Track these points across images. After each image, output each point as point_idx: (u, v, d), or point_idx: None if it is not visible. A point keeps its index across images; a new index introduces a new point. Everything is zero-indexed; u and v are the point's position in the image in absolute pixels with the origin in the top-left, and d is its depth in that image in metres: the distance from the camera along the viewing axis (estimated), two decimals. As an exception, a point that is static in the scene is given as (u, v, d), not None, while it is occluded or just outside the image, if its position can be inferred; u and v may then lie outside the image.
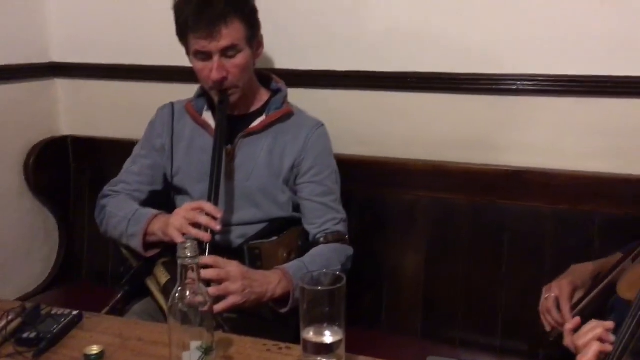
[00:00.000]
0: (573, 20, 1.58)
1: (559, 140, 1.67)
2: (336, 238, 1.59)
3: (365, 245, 1.70)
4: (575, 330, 0.95)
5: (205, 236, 1.36)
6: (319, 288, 0.96)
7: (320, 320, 0.97)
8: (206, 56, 1.50)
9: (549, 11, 1.59)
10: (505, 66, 1.67)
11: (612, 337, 0.88)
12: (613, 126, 1.60)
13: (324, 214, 1.60)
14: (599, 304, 1.19)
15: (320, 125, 1.67)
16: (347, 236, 1.61)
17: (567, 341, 1.03)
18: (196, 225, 1.39)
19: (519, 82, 1.66)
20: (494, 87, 1.69)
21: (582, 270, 1.30)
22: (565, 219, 1.61)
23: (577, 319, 1.15)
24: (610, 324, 0.90)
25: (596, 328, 0.90)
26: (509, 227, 1.67)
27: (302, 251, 1.57)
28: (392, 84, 1.79)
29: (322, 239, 1.58)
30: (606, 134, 1.61)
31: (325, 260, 1.50)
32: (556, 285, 1.28)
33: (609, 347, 0.87)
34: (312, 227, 1.60)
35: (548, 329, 1.26)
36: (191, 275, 0.94)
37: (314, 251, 1.55)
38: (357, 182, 1.77)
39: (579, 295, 1.25)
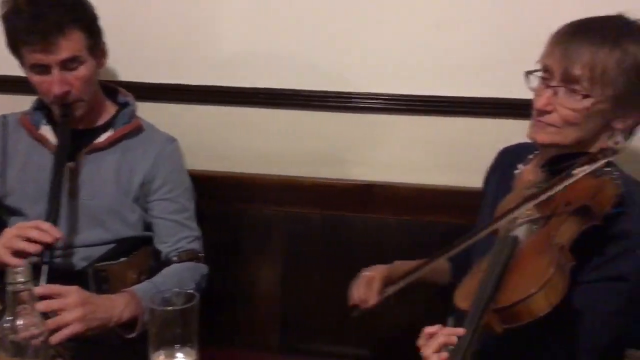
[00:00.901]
0: (415, 43, 1.68)
1: (404, 155, 1.76)
2: (190, 256, 1.55)
3: (220, 263, 1.67)
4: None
5: (34, 247, 1.24)
6: (170, 308, 0.93)
7: (172, 342, 0.93)
8: (44, 69, 1.40)
9: (395, 35, 1.68)
10: (354, 85, 1.74)
11: (455, 341, 0.92)
12: (452, 142, 1.72)
13: (177, 231, 1.56)
14: (437, 307, 1.28)
15: (173, 140, 1.63)
16: (201, 254, 1.58)
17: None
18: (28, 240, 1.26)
19: (367, 100, 1.73)
20: (344, 104, 1.75)
21: (403, 264, 1.37)
22: (410, 229, 1.70)
23: (373, 300, 1.26)
24: (459, 331, 0.92)
25: (440, 336, 0.93)
26: (360, 239, 1.74)
27: (153, 272, 1.51)
28: (245, 100, 1.79)
29: (175, 258, 1.53)
30: (446, 150, 1.72)
31: (178, 279, 1.45)
32: (374, 267, 1.34)
33: (446, 355, 0.90)
34: (165, 246, 1.55)
35: (351, 303, 1.32)
36: (24, 302, 0.86)
37: (166, 271, 1.50)
38: (211, 198, 1.75)
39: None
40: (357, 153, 1.79)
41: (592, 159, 1.06)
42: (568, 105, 1.11)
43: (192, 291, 0.97)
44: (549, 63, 1.14)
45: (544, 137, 1.15)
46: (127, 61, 1.77)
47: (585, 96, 1.09)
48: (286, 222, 1.76)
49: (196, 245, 1.58)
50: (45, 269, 1.24)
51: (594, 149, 1.12)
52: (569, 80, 1.10)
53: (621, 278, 1.04)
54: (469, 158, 1.66)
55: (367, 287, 1.30)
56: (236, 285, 1.79)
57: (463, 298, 0.96)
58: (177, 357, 0.93)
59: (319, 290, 1.76)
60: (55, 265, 1.30)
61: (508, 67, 1.19)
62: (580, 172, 1.03)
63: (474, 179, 1.48)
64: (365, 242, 1.73)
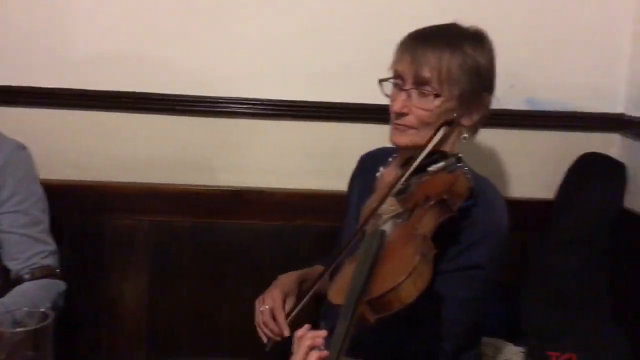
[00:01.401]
0: (282, 49, 1.69)
1: (273, 161, 1.76)
2: (45, 273, 1.44)
3: (80, 278, 1.59)
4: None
5: None
6: (20, 329, 0.84)
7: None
8: None
9: (262, 40, 1.69)
10: (221, 89, 1.71)
11: (321, 342, 0.94)
12: (320, 147, 1.75)
13: (29, 247, 1.44)
14: (310, 311, 1.27)
15: (22, 147, 1.51)
16: (58, 270, 1.47)
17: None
18: None
19: (234, 105, 1.71)
20: (211, 109, 1.71)
21: (288, 279, 1.37)
22: (281, 233, 1.71)
23: (287, 331, 1.23)
24: (323, 333, 0.95)
25: (305, 340, 0.95)
26: (230, 246, 1.71)
27: (2, 292, 1.39)
28: (104, 104, 1.70)
29: (27, 276, 1.42)
30: (315, 154, 1.75)
31: (31, 299, 1.35)
32: (269, 296, 1.32)
33: (325, 352, 0.93)
34: (15, 263, 1.43)
35: (265, 340, 1.30)
36: None
37: (17, 290, 1.38)
38: (68, 209, 1.65)
39: (290, 302, 1.31)
40: (225, 159, 1.76)
41: (444, 155, 1.16)
42: (422, 106, 1.20)
43: (45, 310, 0.89)
44: (400, 69, 1.23)
45: (404, 140, 1.23)
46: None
47: (436, 96, 1.19)
48: (151, 231, 1.70)
49: (51, 261, 1.47)
50: None
51: (446, 146, 1.22)
52: (420, 82, 1.19)
53: (476, 266, 1.12)
54: (337, 162, 1.69)
55: (273, 320, 1.28)
56: (98, 302, 1.70)
57: (336, 294, 0.98)
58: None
59: (188, 302, 1.72)
60: None
61: (372, 74, 1.25)
62: (435, 168, 1.14)
63: (342, 183, 1.51)
64: (236, 247, 1.71)
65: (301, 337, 0.96)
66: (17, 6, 1.66)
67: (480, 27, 1.26)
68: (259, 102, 1.72)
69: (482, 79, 1.22)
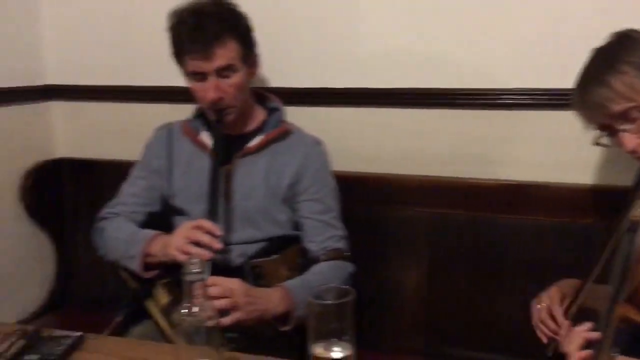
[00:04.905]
0: (559, 35, 1.61)
1: (555, 153, 1.67)
2: (337, 255, 1.58)
3: (365, 263, 1.68)
4: None
5: (206, 254, 1.35)
6: (328, 302, 0.95)
7: (329, 336, 0.96)
8: (202, 77, 1.50)
9: (541, 30, 1.62)
10: (499, 81, 1.68)
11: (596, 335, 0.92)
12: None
13: (324, 231, 1.59)
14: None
15: (318, 143, 1.67)
16: (347, 253, 1.60)
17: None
18: (197, 244, 1.38)
19: (514, 97, 1.67)
20: (490, 101, 1.70)
21: (569, 282, 1.30)
22: (565, 232, 1.61)
23: (568, 323, 1.16)
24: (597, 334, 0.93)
25: (581, 332, 0.94)
26: (510, 242, 1.66)
27: (303, 269, 1.56)
28: (389, 101, 1.80)
29: (322, 257, 1.57)
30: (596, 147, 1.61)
31: (325, 277, 1.49)
32: (545, 295, 1.28)
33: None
34: (313, 245, 1.59)
35: (545, 340, 1.25)
36: (197, 291, 0.93)
37: (314, 268, 1.54)
38: (356, 199, 1.76)
39: (567, 303, 1.24)
40: (504, 152, 1.72)
41: None
42: None
43: (349, 287, 0.99)
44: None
45: None
46: (275, 68, 1.84)
47: None
48: (431, 223, 1.73)
49: (342, 245, 1.60)
50: (209, 264, 1.34)
51: None
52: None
53: None
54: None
55: (552, 318, 1.25)
56: (380, 287, 1.78)
57: None
58: (334, 351, 0.96)
59: (465, 294, 1.72)
60: (215, 262, 1.38)
61: None
62: None
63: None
64: (516, 244, 1.66)
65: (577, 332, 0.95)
66: (311, 16, 1.84)
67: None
68: (540, 92, 1.65)
69: None
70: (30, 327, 1.19)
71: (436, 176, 1.77)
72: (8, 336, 1.11)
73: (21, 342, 1.10)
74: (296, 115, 1.73)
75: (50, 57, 2.17)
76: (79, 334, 1.18)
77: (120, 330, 1.53)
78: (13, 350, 1.08)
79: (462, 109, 1.73)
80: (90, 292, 2.11)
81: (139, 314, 1.55)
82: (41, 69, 2.16)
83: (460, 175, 1.75)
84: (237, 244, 1.56)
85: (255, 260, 1.54)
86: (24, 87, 2.10)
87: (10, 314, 1.97)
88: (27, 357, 1.08)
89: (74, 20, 2.13)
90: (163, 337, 1.47)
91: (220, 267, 1.42)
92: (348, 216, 1.67)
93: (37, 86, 2.15)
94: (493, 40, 1.68)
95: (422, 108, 1.78)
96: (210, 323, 0.94)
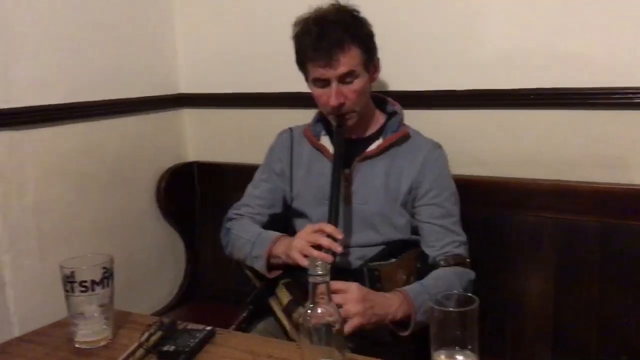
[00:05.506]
0: None
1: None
2: (457, 261, 1.55)
3: (485, 270, 1.63)
4: None
5: (328, 257, 1.38)
6: (450, 309, 0.94)
7: (451, 344, 0.95)
8: (324, 83, 1.54)
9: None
10: (636, 79, 1.58)
11: None
12: None
13: (443, 236, 1.57)
14: None
15: (438, 146, 1.65)
16: (468, 260, 1.57)
17: None
18: (318, 247, 1.41)
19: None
20: (627, 101, 1.59)
21: None
22: None
23: None
24: None
25: None
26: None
27: (420, 273, 1.55)
28: (510, 102, 1.74)
29: (442, 262, 1.55)
30: None
31: (446, 283, 1.47)
32: None
33: None
34: (432, 250, 1.58)
35: None
36: (321, 292, 0.96)
37: (434, 274, 1.52)
38: (476, 203, 1.72)
39: None
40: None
41: None
42: None
43: (471, 294, 0.97)
44: None
45: None
46: (394, 71, 1.84)
47: None
48: (558, 230, 1.65)
49: (462, 250, 1.58)
50: (329, 267, 1.36)
51: None
52: None
53: None
54: None
55: None
56: (503, 294, 1.73)
57: None
58: (457, 359, 0.94)
59: (595, 305, 1.62)
60: (335, 264, 1.40)
61: None
62: None
63: None
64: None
65: None
66: (433, 19, 1.83)
67: None
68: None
69: None
70: (166, 319, 1.27)
71: (563, 180, 1.68)
72: (148, 328, 1.19)
73: (159, 334, 1.19)
74: (415, 119, 1.72)
75: (182, 68, 2.33)
76: (210, 328, 1.25)
77: (245, 326, 1.60)
78: (152, 340, 1.17)
79: (594, 109, 1.64)
80: (217, 288, 2.23)
81: (262, 311, 1.61)
82: (174, 79, 2.33)
83: (588, 180, 1.66)
84: (355, 246, 1.58)
85: (373, 263, 1.55)
86: (159, 96, 2.26)
87: (147, 306, 2.13)
88: (164, 348, 1.16)
89: (203, 36, 2.28)
90: (284, 334, 1.52)
91: (339, 269, 1.44)
92: (468, 221, 1.64)
93: (171, 95, 2.31)
94: (628, 36, 1.57)
95: (547, 109, 1.70)
96: (335, 327, 0.95)
